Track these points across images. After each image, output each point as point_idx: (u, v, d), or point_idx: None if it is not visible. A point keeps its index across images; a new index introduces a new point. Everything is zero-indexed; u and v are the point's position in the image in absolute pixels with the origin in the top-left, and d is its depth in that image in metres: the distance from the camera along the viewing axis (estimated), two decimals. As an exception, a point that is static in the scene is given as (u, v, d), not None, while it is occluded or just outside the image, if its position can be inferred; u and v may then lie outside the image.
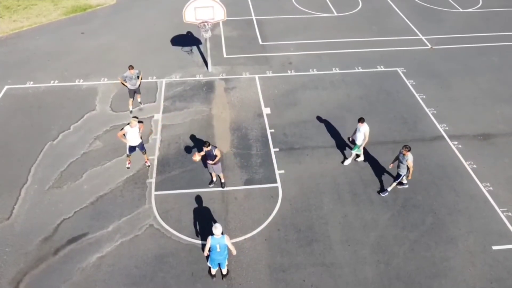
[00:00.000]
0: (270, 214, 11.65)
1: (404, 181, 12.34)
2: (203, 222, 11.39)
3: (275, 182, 12.65)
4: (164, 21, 21.90)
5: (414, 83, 17.24)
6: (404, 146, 11.40)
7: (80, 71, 17.63)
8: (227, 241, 9.20)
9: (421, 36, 20.90)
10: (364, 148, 13.04)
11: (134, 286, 9.87)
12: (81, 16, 22.35)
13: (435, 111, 15.64)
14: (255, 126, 14.83)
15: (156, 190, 12.28)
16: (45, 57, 18.61)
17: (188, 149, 13.74)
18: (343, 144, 14.06)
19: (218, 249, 9.24)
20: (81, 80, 17.03)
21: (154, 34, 20.69)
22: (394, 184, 12.04)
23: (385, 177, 12.84)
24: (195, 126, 14.78)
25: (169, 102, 15.96)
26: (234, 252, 9.47)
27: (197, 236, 11.03)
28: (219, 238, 9.09)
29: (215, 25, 20.61)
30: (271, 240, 10.97)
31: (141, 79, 15.15)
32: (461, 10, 23.74)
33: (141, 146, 12.76)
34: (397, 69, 18.17)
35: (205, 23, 16.19)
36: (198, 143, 13.93)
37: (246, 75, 17.70)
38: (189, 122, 14.95)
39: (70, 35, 20.47)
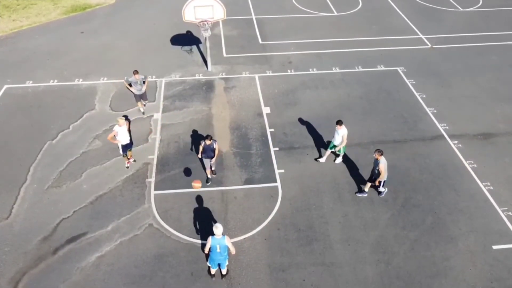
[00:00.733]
0: (270, 214, 11.62)
1: (366, 189, 12.10)
2: (203, 221, 11.36)
3: (275, 181, 12.62)
4: (163, 20, 21.87)
5: (414, 82, 17.21)
6: (376, 150, 11.22)
7: (79, 70, 17.60)
8: (227, 241, 9.12)
9: (421, 36, 20.88)
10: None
11: (133, 286, 9.83)
12: (81, 16, 22.32)
13: (435, 111, 15.62)
14: (255, 126, 14.80)
15: (155, 189, 12.26)
16: (44, 56, 18.58)
17: (187, 149, 13.70)
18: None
19: (218, 250, 9.18)
20: (81, 80, 17.00)
21: (153, 33, 20.67)
22: (368, 184, 11.97)
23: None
24: (194, 125, 14.75)
25: (168, 101, 15.93)
26: (233, 251, 9.40)
27: (197, 234, 10.99)
28: (219, 238, 9.04)
29: (215, 24, 20.60)
30: (271, 239, 10.94)
31: (147, 85, 14.74)
32: (461, 9, 23.71)
33: (130, 145, 12.79)
34: (397, 68, 18.14)
35: (205, 22, 16.15)
36: (197, 143, 13.91)
37: (246, 74, 17.67)
38: (188, 122, 14.92)
39: (70, 34, 20.44)
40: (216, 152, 11.97)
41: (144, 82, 14.36)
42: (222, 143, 13.94)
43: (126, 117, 13.86)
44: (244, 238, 10.94)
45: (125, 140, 12.41)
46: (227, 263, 9.76)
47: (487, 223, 11.46)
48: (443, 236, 11.12)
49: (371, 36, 20.72)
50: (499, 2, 24.53)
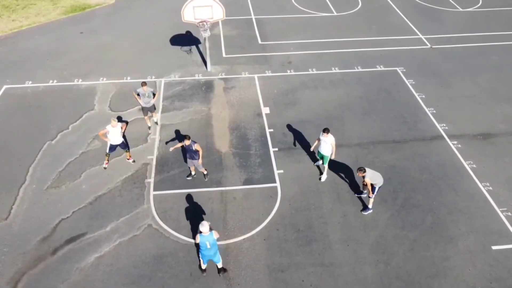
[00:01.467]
0: (269, 214, 11.61)
1: (370, 205, 11.68)
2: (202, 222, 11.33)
3: (274, 181, 12.61)
4: (163, 20, 21.86)
5: (413, 82, 17.21)
6: (358, 168, 10.90)
7: (79, 70, 17.59)
8: (215, 235, 9.19)
9: (420, 36, 20.87)
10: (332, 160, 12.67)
11: (132, 286, 9.82)
12: (80, 16, 22.31)
13: (434, 111, 15.61)
14: (254, 126, 14.79)
15: (154, 190, 12.25)
16: (44, 56, 18.58)
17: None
18: (343, 144, 14.00)
19: (208, 246, 9.25)
20: (80, 80, 16.99)
21: (153, 33, 20.66)
22: (371, 199, 11.51)
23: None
24: (194, 125, 14.74)
25: (168, 101, 15.91)
26: (217, 236, 9.25)
27: (196, 235, 10.96)
28: (207, 235, 9.08)
29: (214, 24, 20.58)
30: (270, 240, 10.93)
31: (156, 98, 14.05)
32: (460, 9, 23.70)
33: (123, 145, 12.77)
34: (397, 68, 18.13)
35: (204, 23, 16.14)
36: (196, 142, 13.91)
37: (245, 74, 17.66)
38: (188, 122, 14.91)
39: (69, 34, 20.44)
40: (200, 153, 11.74)
41: (154, 95, 13.81)
42: (221, 143, 13.93)
43: (124, 120, 13.90)
44: (244, 239, 10.93)
45: (115, 141, 12.39)
46: (220, 257, 9.76)
47: (486, 224, 11.45)
48: (442, 236, 11.11)
49: (371, 36, 20.71)
50: (498, 2, 24.52)
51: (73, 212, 11.53)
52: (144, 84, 13.54)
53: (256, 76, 17.53)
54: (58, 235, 10.90)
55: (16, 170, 12.78)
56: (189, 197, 12.03)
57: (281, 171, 12.95)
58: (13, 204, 11.71)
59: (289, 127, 14.70)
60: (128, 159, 13.09)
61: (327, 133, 11.91)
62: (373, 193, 11.29)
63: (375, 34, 20.93)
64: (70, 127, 14.48)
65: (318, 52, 19.21)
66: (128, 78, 17.16)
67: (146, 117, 14.20)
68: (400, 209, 11.83)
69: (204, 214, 11.55)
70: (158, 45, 19.62)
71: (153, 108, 14.06)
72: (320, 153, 12.35)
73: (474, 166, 13.25)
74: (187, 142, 11.47)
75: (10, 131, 14.30)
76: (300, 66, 18.20)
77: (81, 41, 19.86)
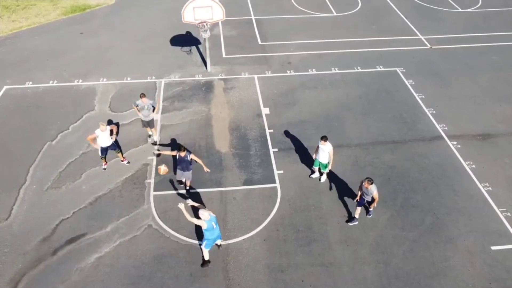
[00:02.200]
0: (269, 214, 11.63)
1: (356, 215, 11.35)
2: (202, 222, 11.37)
3: (274, 182, 12.63)
4: (163, 20, 21.89)
5: (413, 83, 17.23)
6: (366, 178, 10.38)
7: (79, 71, 17.61)
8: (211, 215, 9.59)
9: (420, 36, 20.89)
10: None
11: (132, 286, 9.84)
12: (80, 16, 22.33)
13: (434, 111, 15.63)
14: (254, 126, 14.81)
15: (154, 190, 12.26)
16: (44, 57, 18.60)
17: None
18: (343, 145, 14.04)
19: (214, 227, 9.73)
20: (80, 80, 17.01)
21: (153, 34, 20.68)
22: (358, 210, 11.26)
23: (351, 202, 12.00)
24: (194, 126, 14.76)
25: (168, 102, 15.93)
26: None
27: (196, 235, 11.00)
28: (210, 219, 9.52)
29: (214, 25, 20.60)
30: (270, 240, 10.95)
31: (156, 112, 13.52)
32: (460, 10, 23.73)
33: (113, 146, 12.70)
34: (397, 69, 18.15)
35: (204, 23, 16.16)
36: (197, 144, 13.93)
37: (245, 75, 17.68)
38: (188, 122, 14.93)
39: (69, 35, 20.46)
40: (198, 160, 11.53)
41: (153, 109, 13.22)
42: (221, 144, 13.95)
43: (115, 123, 13.95)
44: (243, 239, 10.95)
45: (104, 143, 12.33)
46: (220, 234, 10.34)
47: (486, 224, 11.47)
48: (442, 236, 11.13)
49: (371, 36, 20.73)
50: (498, 3, 24.55)
51: (73, 212, 11.55)
52: (143, 95, 13.00)
53: (256, 76, 17.56)
54: (58, 236, 10.92)
55: (17, 170, 12.80)
56: (189, 198, 12.04)
57: (281, 171, 12.97)
58: (14, 205, 11.73)
59: (289, 127, 14.71)
60: (122, 161, 13.08)
61: (325, 140, 11.66)
62: (369, 210, 11.34)
63: (375, 34, 20.95)
64: (70, 127, 14.50)
65: (318, 53, 19.23)
66: (128, 78, 17.18)
67: (147, 129, 13.82)
68: (399, 210, 11.85)
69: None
70: (158, 46, 19.64)
71: (152, 123, 13.46)
72: (318, 161, 12.13)
73: (474, 166, 13.27)
74: (182, 154, 11.13)
75: (10, 131, 14.32)
76: (300, 67, 18.22)
77: (81, 42, 19.88)
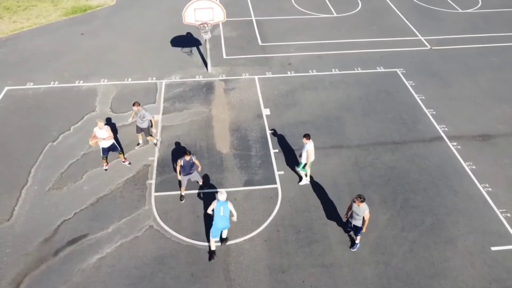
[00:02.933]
0: (270, 215, 11.67)
1: (357, 241, 10.70)
2: (203, 223, 11.41)
3: (275, 183, 12.67)
4: (163, 21, 21.94)
5: (413, 83, 17.27)
6: (358, 196, 9.73)
7: (80, 72, 17.66)
8: (230, 206, 10.07)
9: (420, 37, 20.93)
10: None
11: (133, 287, 9.89)
12: (81, 17, 22.38)
13: (434, 112, 15.67)
14: (254, 127, 14.86)
15: (156, 191, 12.31)
16: (45, 58, 18.64)
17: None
18: (343, 145, 14.08)
19: (222, 213, 9.99)
20: (81, 81, 17.05)
21: (153, 34, 20.73)
22: (358, 237, 10.65)
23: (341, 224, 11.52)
24: (194, 127, 14.81)
25: (168, 103, 15.98)
26: (235, 215, 10.31)
27: (197, 236, 11.04)
28: (222, 202, 9.98)
29: (215, 26, 20.64)
30: (270, 241, 11.00)
31: (154, 125, 13.31)
32: (460, 10, 23.77)
33: (115, 148, 12.73)
34: (397, 69, 18.20)
35: (205, 25, 16.21)
36: (197, 144, 13.98)
37: (245, 76, 17.72)
38: (188, 123, 14.97)
39: (70, 36, 20.50)
40: (198, 164, 11.60)
41: (147, 119, 12.95)
42: (222, 145, 14.00)
43: (112, 124, 13.94)
44: (244, 240, 11.00)
45: (104, 143, 12.34)
46: (228, 228, 10.50)
47: (485, 225, 11.52)
48: (442, 237, 11.17)
49: (371, 37, 20.78)
50: (498, 3, 24.60)
51: (75, 213, 11.60)
52: (135, 104, 12.80)
53: (256, 77, 17.60)
54: (59, 236, 10.97)
55: (18, 171, 12.84)
56: (190, 198, 12.09)
57: (282, 172, 13.01)
58: (15, 206, 11.77)
59: (289, 128, 14.76)
60: (123, 162, 13.11)
61: (307, 138, 11.57)
62: (357, 233, 10.48)
63: (375, 35, 21.00)
64: (71, 128, 14.54)
65: (318, 53, 19.28)
66: (129, 79, 17.23)
67: (138, 134, 13.56)
68: (399, 210, 11.89)
69: (205, 215, 11.59)
70: (159, 46, 19.69)
71: (146, 132, 13.23)
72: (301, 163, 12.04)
73: (474, 167, 13.31)
74: (187, 158, 11.10)
75: (11, 132, 14.37)
76: (300, 67, 18.27)
77: (82, 42, 19.93)
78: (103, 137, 12.20)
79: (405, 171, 13.11)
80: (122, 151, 13.11)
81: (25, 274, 10.10)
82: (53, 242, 10.82)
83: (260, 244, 10.90)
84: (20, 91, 16.43)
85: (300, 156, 12.12)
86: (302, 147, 13.79)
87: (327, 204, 12.02)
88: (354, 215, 10.18)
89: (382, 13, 23.38)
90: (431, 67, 18.50)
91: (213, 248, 10.39)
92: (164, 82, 17.17)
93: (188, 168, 11.46)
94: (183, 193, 11.98)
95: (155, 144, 13.73)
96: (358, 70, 18.14)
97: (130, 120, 13.69)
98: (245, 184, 12.59)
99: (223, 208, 9.97)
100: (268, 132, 14.59)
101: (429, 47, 20.11)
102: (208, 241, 10.67)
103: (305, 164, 12.09)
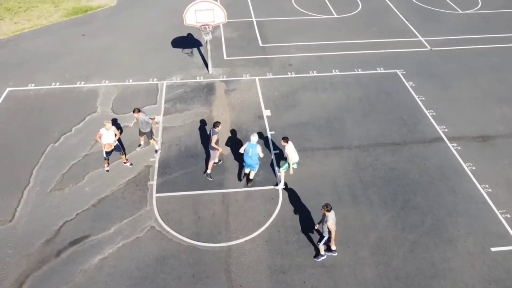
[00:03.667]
0: (271, 216, 11.73)
1: (333, 247, 10.53)
2: (204, 224, 11.47)
3: (276, 184, 12.72)
4: (164, 22, 21.99)
5: (413, 84, 17.32)
6: (325, 204, 9.68)
7: (81, 73, 17.71)
8: (258, 149, 11.59)
9: (420, 38, 20.98)
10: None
11: (135, 288, 9.96)
12: (82, 18, 22.44)
13: (434, 113, 15.72)
14: (255, 128, 14.91)
15: (157, 192, 12.37)
16: (46, 59, 18.70)
17: (189, 151, 13.81)
18: (343, 146, 14.14)
19: (250, 154, 11.56)
20: (82, 82, 17.11)
21: (154, 35, 20.79)
22: (321, 244, 10.30)
23: (314, 236, 11.28)
24: (195, 128, 14.86)
25: (169, 104, 16.03)
26: (261, 155, 11.81)
27: (198, 237, 11.10)
28: (253, 144, 11.50)
29: (215, 27, 20.66)
30: (271, 241, 11.05)
31: (153, 126, 13.49)
32: (460, 11, 23.82)
33: (118, 149, 12.81)
34: (397, 70, 18.25)
35: (206, 26, 16.26)
36: (198, 145, 14.03)
37: (246, 77, 17.77)
38: (189, 124, 15.03)
39: (71, 37, 20.56)
40: (215, 146, 12.36)
41: (152, 132, 13.19)
42: (222, 146, 14.04)
43: (118, 124, 13.96)
44: (245, 241, 11.05)
45: (109, 142, 12.41)
46: (256, 171, 12.15)
47: (485, 225, 11.57)
48: (442, 238, 11.22)
49: (371, 38, 20.83)
50: (498, 4, 24.64)
51: (77, 214, 11.66)
52: (133, 111, 12.82)
53: (257, 78, 17.66)
54: (61, 237, 11.02)
55: (20, 172, 12.90)
56: (191, 199, 12.15)
57: (284, 169, 13.04)
58: (17, 206, 11.83)
59: (290, 129, 14.81)
60: (124, 163, 13.16)
61: (285, 141, 11.62)
62: (320, 241, 10.23)
63: (375, 36, 21.05)
64: (73, 129, 14.60)
65: (319, 54, 19.33)
66: (130, 80, 17.28)
67: (140, 136, 13.63)
68: (400, 211, 11.94)
69: (206, 216, 11.66)
70: (160, 47, 19.74)
71: (149, 135, 13.25)
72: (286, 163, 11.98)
73: (474, 168, 13.37)
74: (218, 129, 12.30)
75: (13, 133, 14.43)
76: (300, 68, 18.32)
77: (83, 43, 19.99)
78: (110, 141, 12.32)
79: (405, 172, 13.16)
80: (124, 152, 13.15)
81: (27, 274, 10.16)
82: (55, 243, 10.88)
83: (261, 245, 10.96)
84: (22, 92, 16.49)
85: (286, 158, 12.01)
86: (303, 148, 13.93)
87: (327, 205, 12.06)
88: (322, 225, 10.11)
89: (382, 14, 23.43)
90: (431, 68, 18.55)
91: (251, 177, 12.39)
92: (165, 83, 17.22)
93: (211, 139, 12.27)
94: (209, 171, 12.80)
95: (156, 151, 13.75)
96: (358, 71, 18.19)
97: (131, 124, 13.77)
98: (246, 185, 12.63)
99: (252, 150, 11.58)
100: (269, 133, 14.65)
101: (429, 48, 20.16)
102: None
103: (288, 164, 11.88)
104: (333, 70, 18.18)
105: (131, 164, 13.21)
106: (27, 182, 12.57)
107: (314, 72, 18.08)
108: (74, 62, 18.50)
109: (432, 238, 11.21)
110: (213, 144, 12.15)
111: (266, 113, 15.65)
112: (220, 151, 12.57)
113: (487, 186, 12.74)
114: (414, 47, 20.18)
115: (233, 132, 14.72)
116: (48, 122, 14.94)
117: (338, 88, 17.07)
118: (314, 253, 10.77)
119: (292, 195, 12.36)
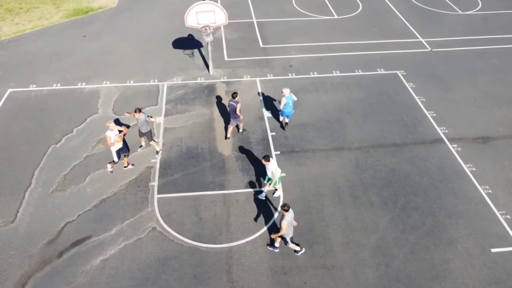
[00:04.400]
0: (272, 217, 11.76)
1: (276, 244, 10.73)
2: (205, 225, 11.51)
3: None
4: (165, 23, 22.03)
5: (414, 85, 17.36)
6: (283, 204, 9.92)
7: (82, 74, 17.75)
8: (293, 96, 14.07)
9: (421, 39, 21.02)
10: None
11: (137, 289, 10.00)
12: (83, 19, 22.47)
13: (434, 114, 15.76)
14: (256, 129, 14.95)
15: (158, 193, 12.41)
16: (47, 60, 18.74)
17: (190, 152, 13.86)
18: (344, 147, 14.18)
19: (290, 104, 13.88)
20: (84, 83, 17.15)
21: (155, 36, 20.82)
22: (289, 244, 10.44)
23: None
24: (196, 129, 14.90)
25: (170, 105, 16.07)
26: (295, 98, 14.21)
27: (200, 237, 11.14)
28: (289, 96, 13.74)
29: (216, 28, 20.69)
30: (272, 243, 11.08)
31: (154, 142, 13.58)
32: (460, 12, 23.85)
33: (125, 150, 12.85)
34: (397, 71, 18.29)
35: (207, 28, 16.30)
36: (199, 146, 14.07)
37: (247, 78, 17.81)
38: (190, 125, 15.07)
39: (72, 38, 20.60)
40: (240, 115, 13.96)
41: (151, 136, 13.36)
42: (223, 147, 14.09)
43: (125, 124, 13.96)
44: (246, 242, 11.09)
45: (116, 145, 12.46)
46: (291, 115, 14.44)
47: (485, 226, 11.61)
48: (442, 239, 11.27)
49: (371, 39, 20.87)
50: (498, 5, 24.67)
51: (78, 215, 11.70)
52: (134, 111, 12.87)
53: (257, 79, 17.70)
54: (63, 238, 11.07)
55: (22, 173, 12.95)
56: (192, 200, 12.19)
57: (283, 174, 13.07)
58: (19, 207, 11.87)
59: (291, 130, 14.86)
60: (125, 167, 13.13)
61: (266, 160, 11.32)
62: (286, 243, 10.32)
63: (375, 37, 21.09)
64: (74, 130, 14.64)
65: (319, 56, 19.36)
66: (131, 81, 17.33)
67: (141, 138, 13.69)
68: (400, 212, 11.99)
69: (208, 217, 11.70)
70: (161, 48, 19.78)
71: (149, 136, 13.36)
72: (267, 177, 11.83)
73: (474, 169, 13.41)
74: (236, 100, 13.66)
75: (15, 134, 14.47)
76: (301, 69, 18.36)
77: (84, 44, 20.03)
78: (117, 137, 12.32)
79: (405, 173, 13.21)
80: (128, 154, 13.13)
81: (29, 275, 10.20)
82: (56, 244, 10.92)
83: (262, 246, 11.00)
84: (23, 93, 16.53)
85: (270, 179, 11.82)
86: (303, 149, 13.97)
87: (328, 206, 12.11)
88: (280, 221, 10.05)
89: (383, 15, 23.46)
90: (432, 69, 18.59)
91: (281, 119, 14.62)
92: (166, 84, 17.26)
93: (232, 113, 13.91)
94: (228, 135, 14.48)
95: (157, 153, 13.79)
96: (358, 72, 18.24)
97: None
98: (247, 186, 12.68)
99: (291, 101, 13.91)
100: (270, 134, 14.68)
101: (429, 49, 20.20)
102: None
103: (270, 179, 11.72)
104: (334, 71, 18.22)
105: (132, 164, 13.25)
106: (29, 183, 12.62)
107: (315, 73, 18.12)
108: (75, 63, 18.54)
109: (432, 239, 11.25)
110: (238, 112, 13.65)
111: (267, 114, 15.69)
112: (242, 117, 14.08)
113: (487, 187, 12.78)
114: (415, 48, 20.22)
115: (234, 133, 14.75)
116: (50, 123, 14.99)
117: (339, 89, 17.12)
118: (314, 253, 10.82)
119: (293, 196, 12.40)
